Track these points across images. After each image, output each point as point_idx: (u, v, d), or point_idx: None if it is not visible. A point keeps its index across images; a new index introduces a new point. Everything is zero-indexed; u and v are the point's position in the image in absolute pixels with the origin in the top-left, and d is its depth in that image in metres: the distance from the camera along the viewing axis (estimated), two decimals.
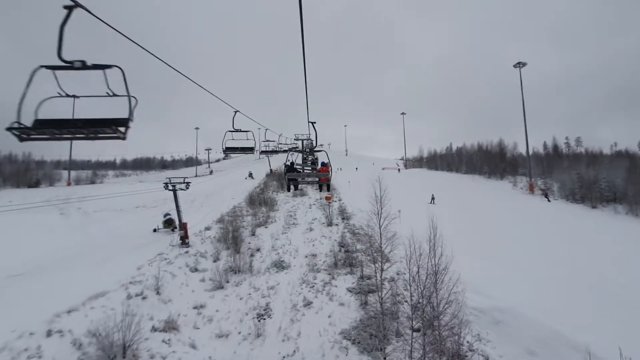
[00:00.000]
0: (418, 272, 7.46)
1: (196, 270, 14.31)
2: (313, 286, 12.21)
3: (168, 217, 19.55)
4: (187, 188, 17.28)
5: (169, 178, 17.24)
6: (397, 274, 12.10)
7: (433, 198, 28.05)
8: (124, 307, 10.46)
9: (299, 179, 11.95)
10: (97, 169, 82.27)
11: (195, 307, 11.31)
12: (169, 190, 17.09)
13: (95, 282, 11.76)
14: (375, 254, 9.46)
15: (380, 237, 9.06)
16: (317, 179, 11.53)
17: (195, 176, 63.82)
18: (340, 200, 28.43)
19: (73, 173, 55.04)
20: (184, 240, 16.94)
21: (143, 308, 10.75)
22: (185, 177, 17.53)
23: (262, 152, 16.58)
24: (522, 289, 11.28)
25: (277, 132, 21.77)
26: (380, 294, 8.63)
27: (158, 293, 11.75)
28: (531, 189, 33.12)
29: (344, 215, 22.76)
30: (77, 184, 47.03)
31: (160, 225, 19.55)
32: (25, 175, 40.26)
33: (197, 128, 74.87)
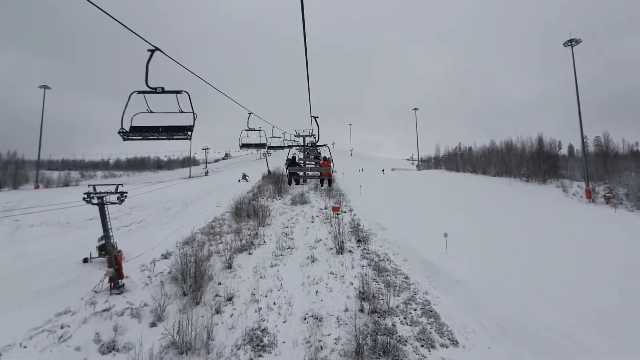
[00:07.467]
0: None
1: (112, 349, 8.19)
2: None
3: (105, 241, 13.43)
4: (122, 201, 11.13)
5: (93, 186, 11.13)
6: None
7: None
8: None
9: (300, 173, 11.91)
10: (85, 170, 77.22)
11: None
12: (93, 204, 10.98)
13: None
14: None
15: None
16: (318, 174, 11.75)
17: (189, 177, 58.36)
18: (351, 211, 22.09)
19: (54, 174, 49.54)
20: (116, 282, 10.84)
21: None
22: (119, 185, 11.36)
23: (270, 147, 17.23)
24: None
25: (282, 129, 19.00)
26: None
27: None
28: (589, 195, 26.53)
29: (359, 235, 16.48)
30: (48, 186, 41.24)
31: (94, 253, 13.48)
32: None
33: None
